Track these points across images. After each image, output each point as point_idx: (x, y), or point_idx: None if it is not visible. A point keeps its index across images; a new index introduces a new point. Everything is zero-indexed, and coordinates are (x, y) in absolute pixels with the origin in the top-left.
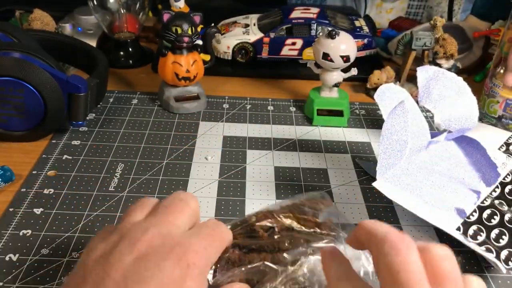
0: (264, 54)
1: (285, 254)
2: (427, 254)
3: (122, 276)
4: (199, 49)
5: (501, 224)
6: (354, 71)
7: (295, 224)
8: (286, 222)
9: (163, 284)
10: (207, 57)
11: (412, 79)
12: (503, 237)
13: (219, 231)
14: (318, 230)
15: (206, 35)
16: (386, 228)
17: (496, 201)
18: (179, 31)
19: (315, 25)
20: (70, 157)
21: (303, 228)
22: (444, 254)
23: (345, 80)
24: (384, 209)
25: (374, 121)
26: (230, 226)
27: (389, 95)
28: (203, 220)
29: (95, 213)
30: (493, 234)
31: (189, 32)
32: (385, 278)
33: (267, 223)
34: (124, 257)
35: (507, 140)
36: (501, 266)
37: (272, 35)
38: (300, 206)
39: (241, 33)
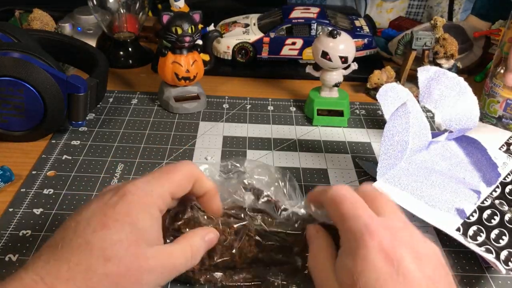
0: (264, 54)
1: None
2: (360, 192)
3: (79, 208)
4: (198, 49)
5: (501, 224)
6: (354, 66)
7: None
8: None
9: (99, 206)
10: (207, 57)
11: (412, 79)
12: (503, 237)
13: (170, 168)
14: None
15: (207, 38)
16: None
17: (497, 201)
18: (180, 31)
19: (315, 25)
20: (70, 157)
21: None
22: (366, 185)
23: (345, 79)
24: None
25: (374, 121)
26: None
27: (391, 95)
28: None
29: None
30: (493, 234)
31: (190, 31)
32: (332, 209)
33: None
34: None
35: (507, 140)
36: (501, 266)
37: (272, 35)
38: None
39: (241, 33)
